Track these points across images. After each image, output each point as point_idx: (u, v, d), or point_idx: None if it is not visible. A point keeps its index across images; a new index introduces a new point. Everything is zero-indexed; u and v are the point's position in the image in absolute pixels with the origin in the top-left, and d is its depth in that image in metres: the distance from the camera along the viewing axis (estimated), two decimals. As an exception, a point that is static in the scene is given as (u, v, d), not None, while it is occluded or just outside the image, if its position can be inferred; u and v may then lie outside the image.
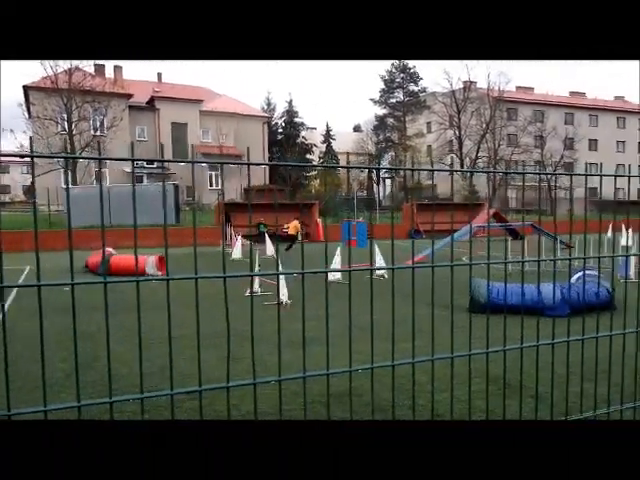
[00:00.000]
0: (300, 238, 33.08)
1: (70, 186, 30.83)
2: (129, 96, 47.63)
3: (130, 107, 47.85)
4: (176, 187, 34.14)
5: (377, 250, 14.04)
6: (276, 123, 62.35)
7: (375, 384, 2.10)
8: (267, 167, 49.88)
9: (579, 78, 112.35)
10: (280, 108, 64.58)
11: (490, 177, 50.72)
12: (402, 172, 56.18)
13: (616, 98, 73.22)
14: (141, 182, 45.11)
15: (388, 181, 64.77)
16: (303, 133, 62.13)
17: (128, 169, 44.30)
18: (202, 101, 52.83)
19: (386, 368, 1.99)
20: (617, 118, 68.94)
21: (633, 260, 12.62)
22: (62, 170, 35.38)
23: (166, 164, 43.26)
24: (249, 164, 1.80)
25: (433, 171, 2.24)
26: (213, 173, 49.09)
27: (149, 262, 15.00)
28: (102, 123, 43.41)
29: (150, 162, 43.79)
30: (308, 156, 59.02)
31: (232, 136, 51.68)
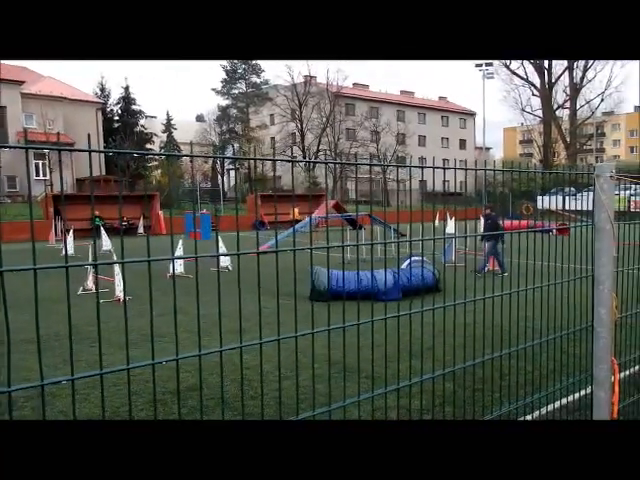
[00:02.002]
0: (143, 230, 31.68)
1: None
2: None
3: None
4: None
5: (221, 243, 13.95)
6: (112, 110, 58.60)
7: (220, 379, 2.12)
8: (103, 156, 46.69)
9: (405, 77, 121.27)
10: (115, 94, 61.01)
11: (330, 169, 52.80)
12: (246, 163, 56.20)
13: (440, 98, 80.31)
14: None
15: (232, 172, 64.43)
16: (142, 122, 59.19)
17: None
18: (24, 82, 47.85)
19: (234, 361, 2.01)
20: (442, 117, 75.75)
21: (454, 246, 14.00)
22: None
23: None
24: (90, 151, 1.69)
25: (275, 161, 2.30)
26: (40, 162, 44.86)
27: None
28: None
29: (-38, 149, 38.71)
30: (148, 146, 56.43)
31: (61, 122, 47.57)
